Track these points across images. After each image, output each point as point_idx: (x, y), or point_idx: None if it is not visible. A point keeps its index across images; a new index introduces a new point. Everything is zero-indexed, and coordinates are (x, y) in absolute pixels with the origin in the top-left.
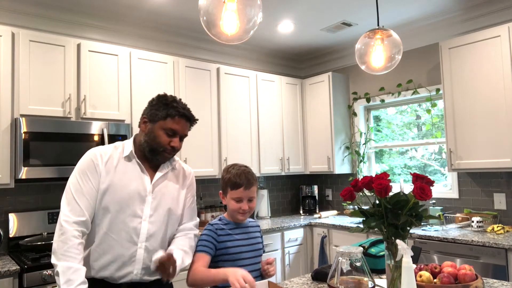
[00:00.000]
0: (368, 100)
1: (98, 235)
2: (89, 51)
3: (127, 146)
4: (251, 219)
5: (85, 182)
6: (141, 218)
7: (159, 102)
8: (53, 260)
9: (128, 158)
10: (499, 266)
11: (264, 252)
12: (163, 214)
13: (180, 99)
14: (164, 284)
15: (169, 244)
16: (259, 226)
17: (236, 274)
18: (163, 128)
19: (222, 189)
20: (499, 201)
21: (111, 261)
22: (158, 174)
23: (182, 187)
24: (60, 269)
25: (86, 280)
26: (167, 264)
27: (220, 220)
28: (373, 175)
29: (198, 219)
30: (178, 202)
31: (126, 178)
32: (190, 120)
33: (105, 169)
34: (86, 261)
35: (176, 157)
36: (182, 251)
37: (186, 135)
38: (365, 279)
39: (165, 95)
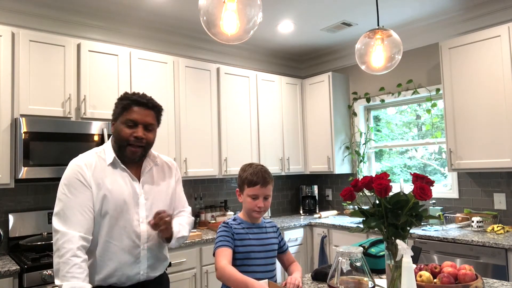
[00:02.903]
0: (368, 100)
1: (99, 245)
2: (89, 51)
3: (108, 152)
4: (267, 219)
5: (75, 198)
6: (138, 221)
7: (117, 101)
8: (57, 281)
9: (113, 165)
10: (499, 266)
11: (287, 248)
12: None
13: (142, 93)
14: (164, 279)
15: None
16: (276, 226)
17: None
18: (122, 122)
19: (239, 187)
20: (499, 201)
21: (117, 267)
22: (143, 173)
23: (170, 180)
24: None
25: None
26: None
27: (234, 220)
28: (373, 175)
29: (190, 208)
30: (169, 196)
31: (117, 185)
32: (148, 105)
33: (94, 181)
34: (92, 272)
35: (154, 152)
36: (178, 224)
37: (150, 124)
38: (365, 279)
39: (124, 93)
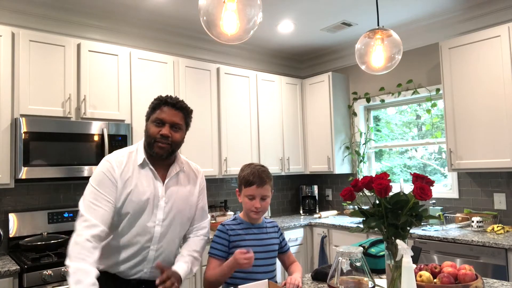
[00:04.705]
0: (368, 100)
1: (115, 236)
2: (89, 51)
3: (140, 152)
4: (269, 219)
5: (101, 193)
6: (154, 223)
7: (150, 103)
8: (67, 261)
9: (142, 166)
10: (499, 266)
11: (288, 248)
12: (175, 218)
13: (174, 96)
14: None
15: (178, 245)
16: (277, 226)
17: (236, 257)
18: (152, 121)
19: (238, 187)
20: (499, 201)
21: (125, 260)
22: (168, 177)
23: (194, 188)
24: (71, 270)
25: (96, 282)
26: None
27: (234, 219)
28: (373, 175)
29: (209, 217)
30: (190, 204)
31: (141, 186)
32: (176, 106)
33: (121, 180)
34: (102, 257)
35: (184, 157)
36: (191, 257)
37: (177, 124)
38: (365, 279)
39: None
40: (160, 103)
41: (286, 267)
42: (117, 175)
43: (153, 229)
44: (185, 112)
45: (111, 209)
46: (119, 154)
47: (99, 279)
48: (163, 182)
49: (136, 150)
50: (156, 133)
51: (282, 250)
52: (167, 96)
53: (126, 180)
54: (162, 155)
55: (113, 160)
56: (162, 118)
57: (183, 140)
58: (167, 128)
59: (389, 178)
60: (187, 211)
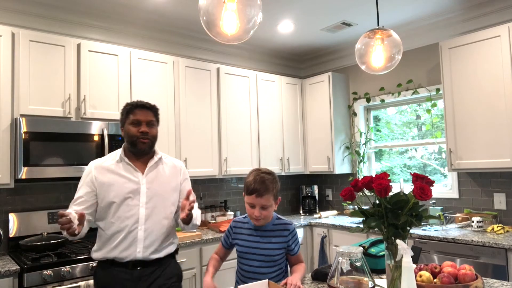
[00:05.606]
0: (368, 100)
1: (107, 225)
2: (89, 51)
3: (119, 153)
4: (284, 220)
5: (80, 191)
6: (138, 206)
7: (121, 110)
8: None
9: (119, 161)
10: (499, 266)
11: (296, 252)
12: (158, 200)
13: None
14: (168, 263)
15: (168, 227)
16: (289, 229)
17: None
18: (129, 124)
19: (243, 191)
20: (499, 201)
21: (118, 244)
22: (148, 166)
23: (175, 177)
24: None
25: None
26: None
27: (245, 217)
28: (373, 175)
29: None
30: (171, 188)
31: (120, 176)
32: (146, 107)
33: (100, 178)
34: (101, 246)
35: (163, 154)
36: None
37: (151, 121)
38: (365, 279)
39: (126, 103)
40: (133, 107)
41: (291, 266)
42: (94, 176)
43: (137, 212)
44: (154, 110)
45: (84, 206)
46: (102, 158)
47: (100, 267)
48: (144, 172)
49: (115, 153)
50: (136, 132)
51: (290, 253)
52: (136, 101)
53: (105, 177)
54: (144, 149)
55: (92, 164)
56: (138, 119)
57: (157, 134)
58: (144, 126)
59: (389, 178)
60: (170, 195)
